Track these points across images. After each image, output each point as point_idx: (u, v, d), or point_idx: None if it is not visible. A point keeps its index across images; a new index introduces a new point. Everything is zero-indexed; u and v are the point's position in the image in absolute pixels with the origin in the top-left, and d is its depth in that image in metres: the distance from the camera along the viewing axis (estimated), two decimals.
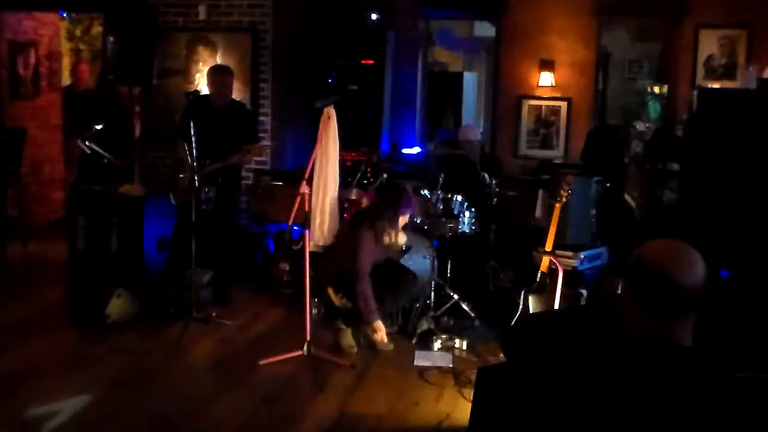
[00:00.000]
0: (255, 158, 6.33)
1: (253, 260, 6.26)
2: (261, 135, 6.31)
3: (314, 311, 5.02)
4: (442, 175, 5.36)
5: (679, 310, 1.68)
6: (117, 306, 5.02)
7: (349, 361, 4.56)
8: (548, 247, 4.69)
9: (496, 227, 5.87)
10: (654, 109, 8.90)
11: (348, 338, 4.80)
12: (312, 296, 4.72)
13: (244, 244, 6.11)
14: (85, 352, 4.60)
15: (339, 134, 4.64)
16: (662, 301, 1.67)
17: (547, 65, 6.93)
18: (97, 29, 8.89)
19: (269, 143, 5.81)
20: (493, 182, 5.69)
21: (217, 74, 5.45)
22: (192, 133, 4.92)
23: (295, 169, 6.14)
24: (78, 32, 9.40)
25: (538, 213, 5.93)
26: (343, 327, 4.83)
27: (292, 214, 4.56)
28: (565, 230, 5.10)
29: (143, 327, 5.01)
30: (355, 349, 4.76)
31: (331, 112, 4.53)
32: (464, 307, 5.37)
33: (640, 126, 7.93)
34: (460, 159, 6.08)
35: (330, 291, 5.34)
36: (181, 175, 5.29)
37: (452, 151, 6.34)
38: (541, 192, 5.92)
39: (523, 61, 7.05)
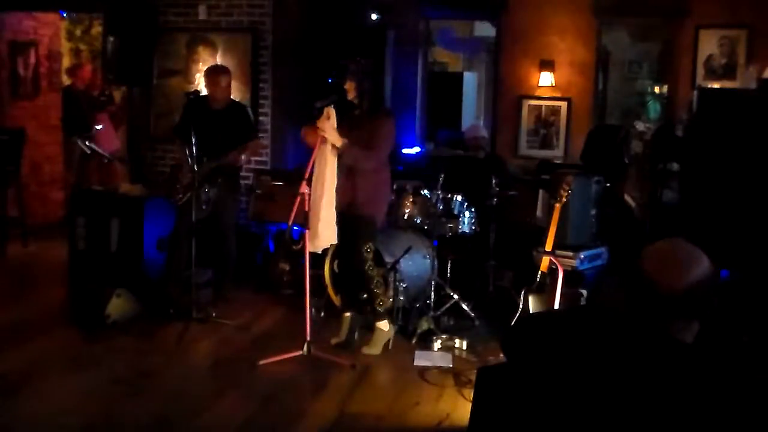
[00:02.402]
0: (254, 157, 6.34)
1: (253, 260, 6.26)
2: (261, 135, 6.31)
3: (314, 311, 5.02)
4: (442, 175, 5.36)
5: (663, 310, 1.70)
6: (117, 306, 5.01)
7: (349, 361, 4.55)
8: (548, 247, 4.69)
9: (496, 227, 5.86)
10: (654, 109, 8.92)
11: (347, 325, 4.85)
12: (312, 295, 4.72)
13: (244, 244, 6.11)
14: (85, 352, 4.60)
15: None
16: (644, 300, 1.69)
17: (547, 65, 6.93)
18: (97, 29, 8.87)
19: (267, 143, 5.82)
20: (494, 182, 5.68)
21: (214, 75, 5.44)
22: (191, 133, 4.92)
23: (295, 169, 6.14)
24: (78, 32, 9.39)
25: (538, 213, 5.92)
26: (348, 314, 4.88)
27: (292, 214, 4.55)
28: (565, 230, 5.10)
29: (143, 327, 5.01)
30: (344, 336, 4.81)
31: (331, 112, 4.53)
32: (464, 307, 5.36)
33: (640, 126, 7.94)
34: (461, 159, 6.06)
35: (330, 291, 5.36)
36: (180, 176, 5.29)
37: (452, 152, 6.33)
38: (541, 192, 5.92)
39: (523, 61, 7.04)
